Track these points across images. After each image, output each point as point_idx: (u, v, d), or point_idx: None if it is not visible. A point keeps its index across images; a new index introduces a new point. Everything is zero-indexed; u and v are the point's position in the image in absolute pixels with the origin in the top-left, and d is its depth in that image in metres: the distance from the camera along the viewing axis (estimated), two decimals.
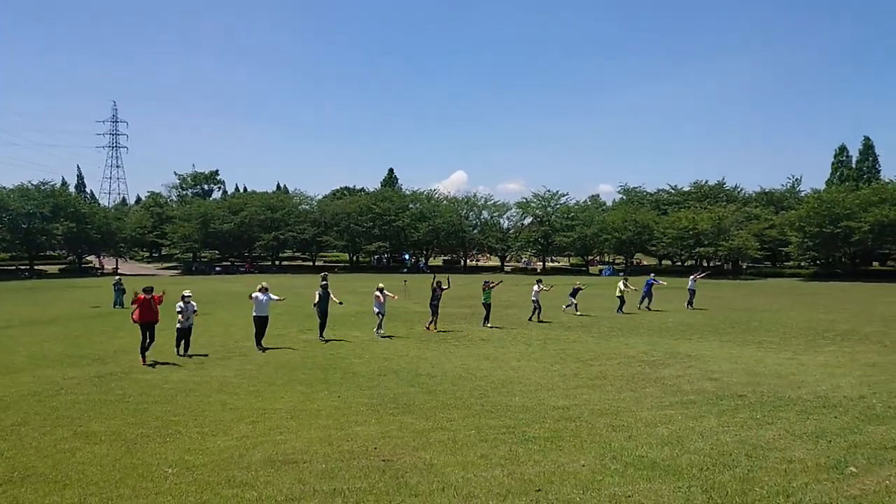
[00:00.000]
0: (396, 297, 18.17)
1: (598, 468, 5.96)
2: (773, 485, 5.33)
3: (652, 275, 28.33)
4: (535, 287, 21.68)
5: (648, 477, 5.64)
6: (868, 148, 72.42)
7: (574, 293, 23.95)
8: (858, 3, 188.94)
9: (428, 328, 18.96)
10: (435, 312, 19.15)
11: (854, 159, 72.92)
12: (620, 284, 24.80)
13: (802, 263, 63.20)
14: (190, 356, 14.25)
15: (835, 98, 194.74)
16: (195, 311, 14.88)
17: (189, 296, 14.84)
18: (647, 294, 25.53)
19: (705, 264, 69.05)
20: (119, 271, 67.98)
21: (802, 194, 69.23)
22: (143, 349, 13.60)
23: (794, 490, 5.18)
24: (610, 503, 4.99)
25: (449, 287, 20.02)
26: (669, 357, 13.73)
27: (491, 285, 20.38)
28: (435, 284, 19.39)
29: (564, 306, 24.28)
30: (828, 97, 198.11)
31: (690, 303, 26.11)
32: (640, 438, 7.04)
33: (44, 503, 5.34)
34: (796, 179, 74.35)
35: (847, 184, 65.15)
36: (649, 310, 24.80)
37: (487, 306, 20.21)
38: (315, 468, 6.16)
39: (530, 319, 21.33)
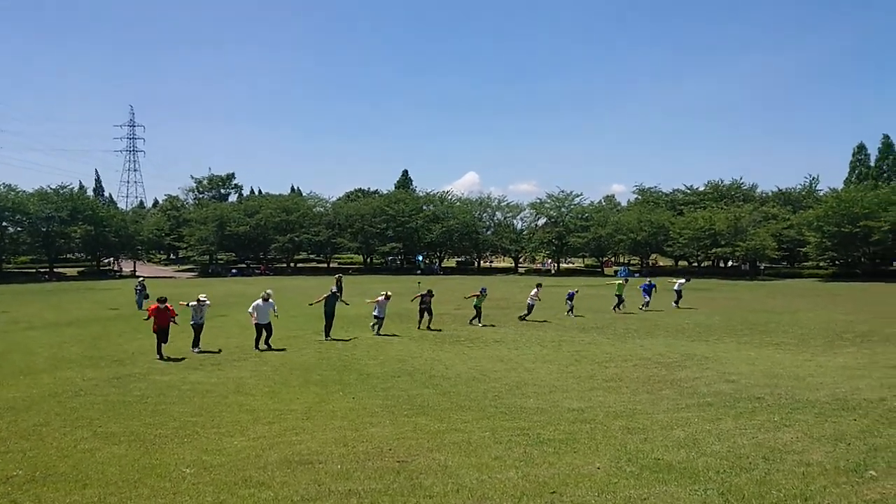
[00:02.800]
0: (389, 294, 19.05)
1: (613, 471, 5.93)
2: (791, 488, 5.27)
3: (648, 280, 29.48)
4: (534, 291, 22.62)
5: (664, 480, 5.61)
6: (887, 146, 71.20)
7: (570, 297, 23.90)
8: None
9: (419, 328, 19.69)
10: (421, 315, 19.93)
11: (873, 158, 71.86)
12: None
13: (821, 264, 62.30)
14: (200, 352, 15.14)
15: (852, 95, 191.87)
16: (208, 304, 16.29)
17: (203, 299, 16.04)
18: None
19: (722, 265, 68.37)
20: (137, 273, 68.86)
21: (821, 194, 68.23)
22: (159, 348, 14.69)
23: (813, 493, 5.13)
24: None
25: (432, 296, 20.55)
26: (686, 359, 13.63)
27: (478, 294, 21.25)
28: (424, 292, 20.27)
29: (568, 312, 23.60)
30: (845, 94, 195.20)
31: (676, 302, 26.87)
32: (656, 441, 7.00)
33: (65, 502, 5.43)
34: (814, 179, 73.28)
35: (866, 183, 64.13)
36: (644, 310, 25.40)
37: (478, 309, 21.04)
38: (330, 469, 6.20)
39: (521, 318, 21.99)
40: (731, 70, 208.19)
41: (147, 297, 27.80)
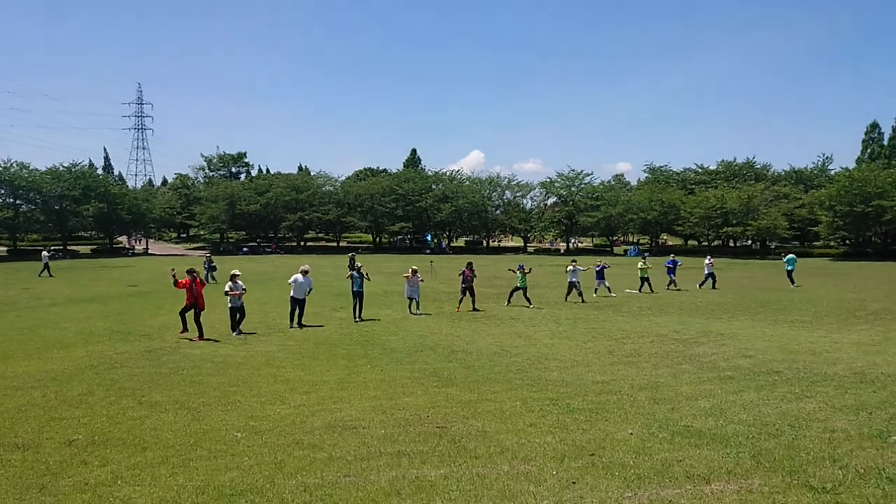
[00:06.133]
0: (423, 280, 18.78)
1: (645, 436, 6.20)
2: (819, 451, 5.53)
3: (672, 256, 28.36)
4: (570, 267, 21.61)
5: (696, 444, 5.88)
6: None
7: (600, 274, 23.90)
8: None
9: (458, 310, 19.11)
10: (463, 294, 19.38)
11: (886, 136, 71.10)
12: (640, 263, 24.99)
13: (832, 243, 62.12)
14: (242, 334, 14.60)
15: (866, 74, 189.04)
16: (244, 291, 15.16)
17: (238, 275, 15.23)
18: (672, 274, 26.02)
19: (732, 244, 68.23)
20: (150, 251, 69.45)
21: (833, 173, 67.77)
22: (183, 319, 14.46)
23: (840, 456, 5.38)
24: (663, 467, 5.24)
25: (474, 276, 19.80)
26: (702, 335, 13.86)
27: (525, 270, 20.45)
28: (465, 267, 19.71)
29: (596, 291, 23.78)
30: (859, 73, 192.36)
31: (702, 284, 26.22)
32: (683, 410, 7.26)
33: (130, 462, 5.75)
34: (827, 158, 72.62)
35: (878, 161, 63.64)
36: (671, 289, 25.02)
37: (523, 289, 20.25)
38: (375, 433, 6.51)
39: (566, 300, 21.41)
40: (741, 47, 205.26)
41: (215, 270, 29.70)
